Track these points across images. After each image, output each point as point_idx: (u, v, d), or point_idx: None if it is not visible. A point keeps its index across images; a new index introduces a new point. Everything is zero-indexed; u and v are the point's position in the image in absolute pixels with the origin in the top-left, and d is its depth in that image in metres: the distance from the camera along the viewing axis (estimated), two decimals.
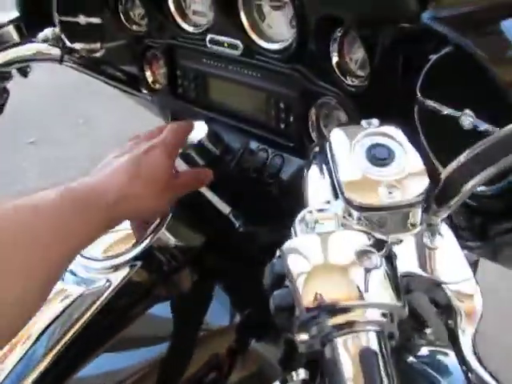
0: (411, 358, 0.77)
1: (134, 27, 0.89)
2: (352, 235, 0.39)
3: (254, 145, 0.79)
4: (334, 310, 0.37)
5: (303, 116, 0.69)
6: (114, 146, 0.67)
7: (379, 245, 0.39)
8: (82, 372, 0.64)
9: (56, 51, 0.89)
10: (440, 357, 0.77)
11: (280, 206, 0.79)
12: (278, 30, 0.69)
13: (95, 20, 0.93)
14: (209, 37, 0.76)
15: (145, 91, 0.94)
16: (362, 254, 0.38)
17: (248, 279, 0.75)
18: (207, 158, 0.83)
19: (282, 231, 0.79)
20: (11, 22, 0.89)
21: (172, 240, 0.71)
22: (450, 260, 0.42)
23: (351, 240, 0.39)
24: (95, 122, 2.72)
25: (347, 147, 0.42)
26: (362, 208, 0.40)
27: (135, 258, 0.68)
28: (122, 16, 0.89)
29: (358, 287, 0.37)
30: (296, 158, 0.74)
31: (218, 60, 0.78)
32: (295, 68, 0.67)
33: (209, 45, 0.77)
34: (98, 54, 0.95)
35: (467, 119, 0.49)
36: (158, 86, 0.92)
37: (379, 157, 0.41)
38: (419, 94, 0.54)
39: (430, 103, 0.53)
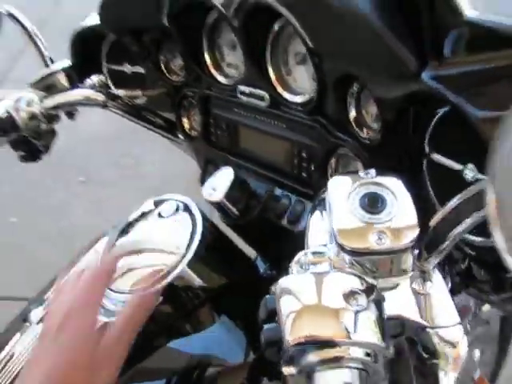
0: None
1: (173, 77, 0.95)
2: (342, 277, 0.42)
3: (278, 191, 0.83)
4: (318, 345, 0.39)
5: (323, 165, 0.73)
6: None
7: (368, 288, 0.42)
8: None
9: (101, 97, 0.96)
10: None
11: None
12: (302, 83, 0.74)
13: (139, 69, 1.00)
14: (239, 88, 0.81)
15: (181, 137, 1.00)
16: (350, 295, 0.41)
17: None
18: (236, 206, 0.87)
19: None
20: (63, 69, 0.96)
21: (194, 279, 0.74)
22: (438, 305, 0.44)
23: (341, 282, 0.42)
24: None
25: (343, 195, 0.45)
26: (352, 252, 0.43)
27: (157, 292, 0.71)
28: (162, 66, 0.96)
29: (344, 326, 0.40)
30: None
31: (247, 110, 0.83)
32: (316, 120, 0.71)
33: (239, 96, 0.81)
34: (139, 101, 1.02)
35: (470, 173, 0.51)
36: (193, 133, 0.98)
37: (371, 205, 0.44)
38: (427, 148, 0.57)
39: (437, 157, 0.55)
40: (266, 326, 0.41)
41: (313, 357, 0.39)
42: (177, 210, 0.78)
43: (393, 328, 0.43)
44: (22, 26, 1.00)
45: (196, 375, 0.70)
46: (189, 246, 0.73)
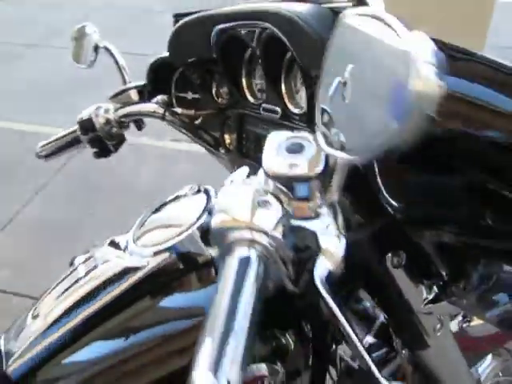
0: None
1: (220, 100, 1.18)
2: (262, 192, 0.60)
3: None
4: (233, 229, 0.57)
5: None
6: None
7: (280, 203, 0.60)
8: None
9: (161, 111, 1.20)
10: None
11: None
12: (304, 99, 0.94)
13: (197, 95, 1.25)
14: (263, 106, 1.02)
15: (222, 150, 1.22)
16: (264, 204, 0.59)
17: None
18: None
19: None
20: (136, 87, 1.23)
21: (201, 242, 0.93)
22: (329, 222, 0.61)
23: (260, 195, 0.60)
24: None
25: (275, 143, 0.64)
26: (273, 177, 0.61)
27: (170, 248, 0.90)
28: (213, 92, 1.19)
29: (255, 220, 0.57)
30: None
31: (268, 124, 1.03)
32: (311, 127, 0.90)
33: (262, 112, 1.02)
34: (193, 119, 1.25)
35: None
36: (231, 147, 1.19)
37: (293, 148, 0.62)
38: None
39: None
40: (205, 218, 0.60)
41: (228, 236, 0.57)
42: (198, 191, 0.98)
43: (299, 238, 0.60)
44: (113, 56, 1.29)
45: (183, 325, 0.87)
46: (200, 216, 0.93)
